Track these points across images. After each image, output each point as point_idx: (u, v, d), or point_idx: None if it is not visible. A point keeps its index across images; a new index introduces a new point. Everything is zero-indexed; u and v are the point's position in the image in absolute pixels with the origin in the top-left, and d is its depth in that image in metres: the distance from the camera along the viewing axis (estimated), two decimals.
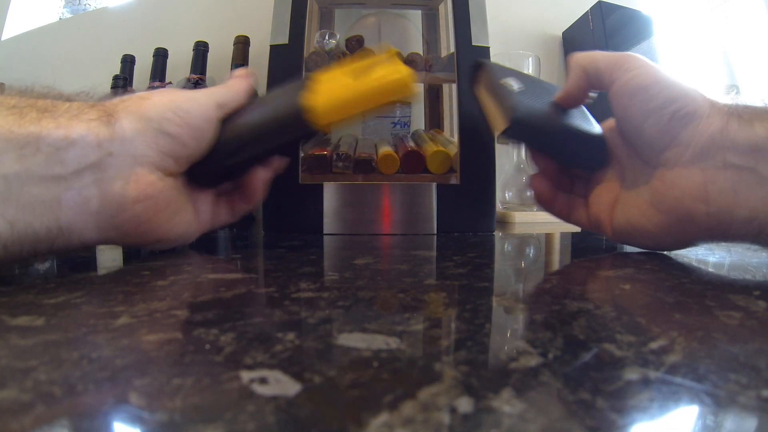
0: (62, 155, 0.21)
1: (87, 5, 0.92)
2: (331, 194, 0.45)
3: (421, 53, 0.59)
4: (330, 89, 0.30)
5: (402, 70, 0.31)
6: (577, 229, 0.54)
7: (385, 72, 0.31)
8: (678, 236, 0.26)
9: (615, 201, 0.29)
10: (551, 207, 0.32)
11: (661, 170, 0.26)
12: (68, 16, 0.92)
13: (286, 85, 0.33)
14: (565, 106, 0.31)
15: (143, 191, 0.24)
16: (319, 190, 0.45)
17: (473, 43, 0.48)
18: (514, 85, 0.32)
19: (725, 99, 0.25)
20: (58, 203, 0.21)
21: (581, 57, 0.30)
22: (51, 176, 0.20)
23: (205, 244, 0.38)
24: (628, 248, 0.33)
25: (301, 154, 0.46)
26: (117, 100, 0.26)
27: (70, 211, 0.21)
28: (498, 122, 0.31)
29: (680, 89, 0.25)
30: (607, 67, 0.28)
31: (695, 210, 0.24)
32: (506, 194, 0.66)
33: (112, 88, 0.66)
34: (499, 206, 0.63)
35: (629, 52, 0.28)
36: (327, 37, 0.56)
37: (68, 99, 0.24)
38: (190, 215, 0.29)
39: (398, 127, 0.64)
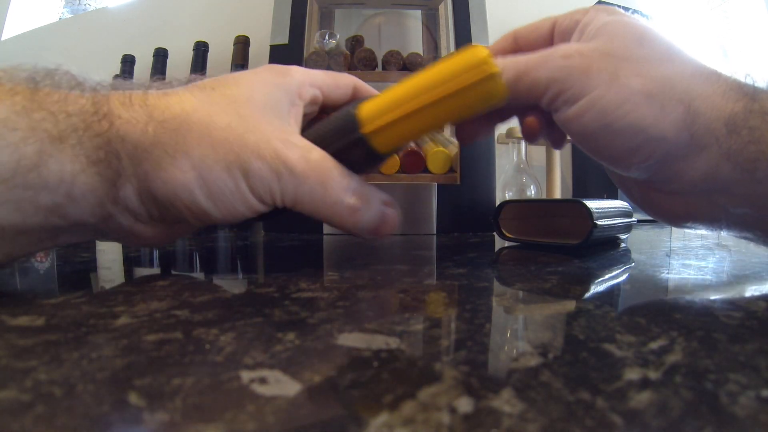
0: (62, 211, 0.18)
1: (87, 5, 0.92)
2: None
3: (421, 53, 0.59)
4: (384, 98, 0.22)
5: (478, 53, 0.20)
6: None
7: (451, 62, 0.21)
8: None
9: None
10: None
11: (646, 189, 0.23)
12: (68, 16, 0.92)
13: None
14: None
15: (145, 241, 0.22)
16: None
17: (473, 43, 0.48)
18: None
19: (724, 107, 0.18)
20: (57, 237, 0.19)
21: None
22: (51, 226, 0.18)
23: (206, 244, 0.38)
24: (628, 248, 0.33)
25: None
26: (135, 134, 0.19)
27: (67, 239, 0.20)
28: (573, 236, 0.32)
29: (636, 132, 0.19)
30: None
31: (682, 224, 0.22)
32: (506, 194, 0.66)
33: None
34: None
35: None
36: (327, 37, 0.56)
37: (84, 89, 0.20)
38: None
39: None
